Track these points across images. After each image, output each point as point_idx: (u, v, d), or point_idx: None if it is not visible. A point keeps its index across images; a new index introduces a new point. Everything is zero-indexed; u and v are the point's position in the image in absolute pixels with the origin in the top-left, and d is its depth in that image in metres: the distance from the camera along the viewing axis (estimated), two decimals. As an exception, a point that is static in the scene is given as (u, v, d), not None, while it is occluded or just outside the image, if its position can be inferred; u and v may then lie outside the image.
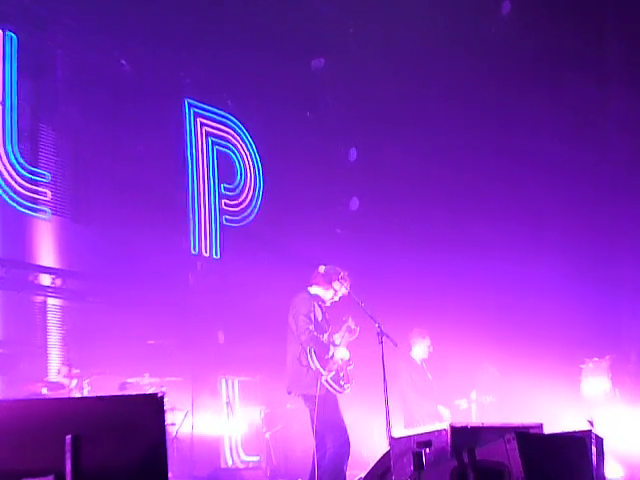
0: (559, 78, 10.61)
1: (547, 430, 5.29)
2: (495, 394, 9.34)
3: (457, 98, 10.88)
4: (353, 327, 7.14)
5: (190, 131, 10.49)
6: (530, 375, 9.49)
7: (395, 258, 10.85)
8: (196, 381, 9.03)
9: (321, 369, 6.79)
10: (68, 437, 3.25)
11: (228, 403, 9.56)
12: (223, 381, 9.89)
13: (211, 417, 9.51)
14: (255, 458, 9.75)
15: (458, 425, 5.06)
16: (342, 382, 6.89)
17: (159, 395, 3.39)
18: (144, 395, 3.80)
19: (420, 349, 9.20)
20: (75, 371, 7.77)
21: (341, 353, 6.96)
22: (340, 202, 11.82)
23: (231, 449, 9.74)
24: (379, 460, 5.50)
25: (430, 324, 9.50)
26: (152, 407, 3.34)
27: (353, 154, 11.85)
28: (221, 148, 10.90)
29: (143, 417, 3.36)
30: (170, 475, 4.14)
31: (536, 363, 9.52)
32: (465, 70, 10.72)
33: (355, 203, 11.81)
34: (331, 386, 6.81)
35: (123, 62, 9.71)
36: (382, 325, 6.65)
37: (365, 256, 10.66)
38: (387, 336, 6.63)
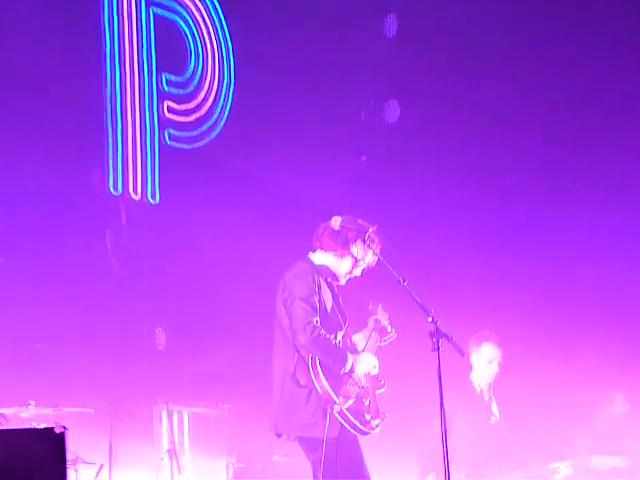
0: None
1: None
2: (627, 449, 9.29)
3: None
4: (386, 323, 7.20)
5: (109, -18, 10.50)
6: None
7: (456, 206, 10.93)
8: (118, 414, 9.11)
9: (332, 393, 6.87)
10: None
11: (172, 451, 9.65)
12: (164, 414, 9.97)
13: (143, 475, 9.60)
14: None
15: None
16: (367, 415, 6.98)
17: (58, 431, 3.43)
18: (33, 431, 3.86)
19: (485, 367, 9.04)
20: None
21: (366, 366, 7.05)
22: (369, 108, 11.81)
23: (177, 530, 9.88)
24: None
25: (504, 323, 9.54)
26: (47, 451, 3.38)
27: (392, 26, 11.81)
28: (162, 11, 10.87)
29: (31, 468, 3.41)
30: None
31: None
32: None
33: (394, 110, 11.79)
34: (349, 422, 6.90)
35: None
36: (439, 320, 6.68)
37: (408, 200, 10.71)
38: (448, 338, 6.66)
